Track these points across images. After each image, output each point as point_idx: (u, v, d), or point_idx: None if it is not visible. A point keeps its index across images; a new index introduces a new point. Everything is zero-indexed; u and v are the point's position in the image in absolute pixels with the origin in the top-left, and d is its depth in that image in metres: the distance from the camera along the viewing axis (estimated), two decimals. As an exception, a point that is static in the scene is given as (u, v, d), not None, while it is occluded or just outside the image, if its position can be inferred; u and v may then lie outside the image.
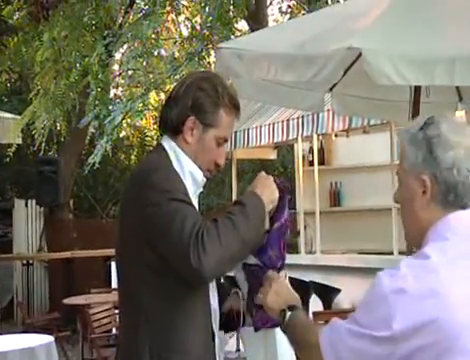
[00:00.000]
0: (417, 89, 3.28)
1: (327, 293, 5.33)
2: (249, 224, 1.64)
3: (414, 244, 1.47)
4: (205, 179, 1.84)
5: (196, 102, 1.79)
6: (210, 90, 1.79)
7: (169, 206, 1.62)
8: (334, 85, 3.74)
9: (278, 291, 1.67)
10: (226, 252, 1.59)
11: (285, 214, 1.81)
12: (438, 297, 1.28)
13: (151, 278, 1.71)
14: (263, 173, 1.79)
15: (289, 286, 1.72)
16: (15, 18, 10.37)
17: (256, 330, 1.83)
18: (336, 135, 7.16)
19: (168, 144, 1.81)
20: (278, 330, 1.71)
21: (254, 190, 1.73)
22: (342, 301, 5.65)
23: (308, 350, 1.47)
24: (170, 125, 1.82)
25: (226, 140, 1.84)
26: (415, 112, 3.28)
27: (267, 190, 1.74)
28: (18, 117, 8.22)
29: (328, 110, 5.23)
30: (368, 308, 1.35)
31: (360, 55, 2.67)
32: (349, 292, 5.46)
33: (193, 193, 1.79)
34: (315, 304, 5.11)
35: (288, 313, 1.58)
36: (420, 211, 1.42)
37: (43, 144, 8.59)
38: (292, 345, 1.57)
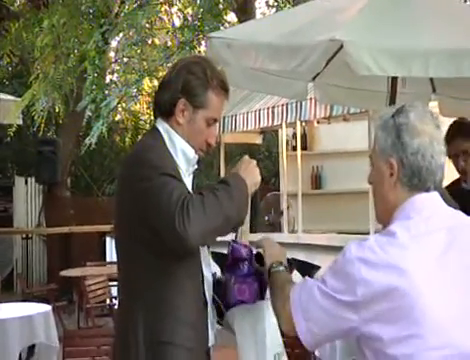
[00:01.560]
0: (394, 80, 3.27)
1: (308, 269, 5.34)
2: (232, 202, 1.64)
3: (383, 222, 1.50)
4: (197, 156, 1.83)
5: (186, 85, 1.78)
6: (199, 73, 1.79)
7: (159, 180, 1.64)
8: (317, 75, 3.72)
9: (276, 248, 1.74)
10: (210, 223, 1.59)
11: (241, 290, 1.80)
12: (399, 269, 1.31)
13: (144, 252, 1.71)
14: (246, 157, 1.79)
15: (283, 249, 1.77)
16: (16, 5, 10.22)
17: (234, 305, 1.81)
18: (318, 122, 7.17)
19: (162, 126, 1.81)
20: (268, 305, 1.72)
21: (238, 172, 1.73)
22: (321, 277, 5.69)
23: (281, 300, 1.51)
24: (163, 108, 1.82)
25: (216, 120, 1.83)
26: (392, 102, 3.27)
27: (250, 174, 1.74)
28: (19, 99, 8.14)
29: (311, 98, 5.21)
30: (336, 273, 1.39)
31: (342, 47, 2.65)
32: (327, 269, 5.49)
33: (186, 170, 1.80)
34: (296, 280, 5.13)
35: (281, 268, 1.64)
36: (388, 192, 1.44)
37: (42, 125, 8.55)
38: (270, 290, 1.61)
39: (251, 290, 1.78)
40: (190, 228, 1.55)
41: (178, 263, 1.71)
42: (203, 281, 1.78)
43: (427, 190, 1.42)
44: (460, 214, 1.46)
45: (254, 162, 1.78)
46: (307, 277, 1.49)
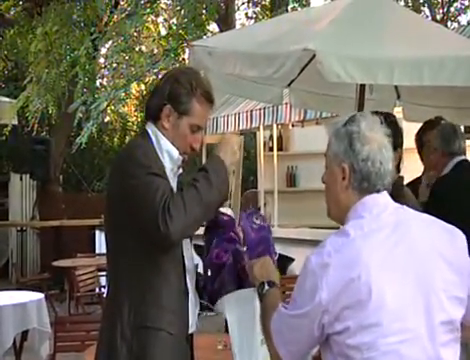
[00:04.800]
0: (362, 87, 3.28)
1: (282, 261, 5.37)
2: (211, 188, 1.67)
3: (334, 219, 1.53)
4: (181, 158, 1.83)
5: (172, 92, 1.79)
6: (185, 83, 1.79)
7: (145, 179, 1.65)
8: (292, 81, 3.72)
9: (264, 265, 1.72)
10: (190, 218, 1.62)
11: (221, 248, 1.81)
12: (355, 264, 1.33)
13: (130, 243, 1.72)
14: (226, 135, 1.80)
15: (273, 266, 1.75)
16: (12, 13, 10.07)
17: (214, 294, 1.81)
18: (293, 125, 7.18)
19: (150, 128, 1.82)
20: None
21: (217, 153, 1.76)
22: (295, 268, 5.71)
23: (268, 324, 1.51)
24: (151, 112, 1.83)
25: (200, 128, 1.83)
26: (360, 107, 3.29)
27: (229, 152, 1.76)
28: (14, 101, 8.03)
29: (286, 103, 5.21)
30: (300, 286, 1.40)
31: (314, 56, 2.66)
32: (301, 261, 5.50)
33: (171, 170, 1.80)
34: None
35: (266, 287, 1.63)
36: (340, 193, 1.47)
37: (36, 125, 8.44)
38: (261, 312, 1.61)
39: (227, 255, 1.80)
40: (172, 226, 1.58)
41: (162, 255, 1.71)
42: (185, 271, 1.78)
43: (377, 192, 1.44)
44: (406, 209, 1.48)
45: (233, 138, 1.79)
46: (280, 306, 1.48)
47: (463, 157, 2.89)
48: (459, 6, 11.80)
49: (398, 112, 3.83)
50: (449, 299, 1.37)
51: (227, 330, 1.84)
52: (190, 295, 1.79)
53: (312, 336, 1.37)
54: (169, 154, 1.79)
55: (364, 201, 1.43)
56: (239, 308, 1.79)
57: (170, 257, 1.73)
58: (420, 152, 2.99)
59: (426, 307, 1.35)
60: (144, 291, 1.71)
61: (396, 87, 3.82)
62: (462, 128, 3.31)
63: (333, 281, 1.32)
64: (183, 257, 1.78)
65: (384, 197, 1.45)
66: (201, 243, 1.91)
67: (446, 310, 1.36)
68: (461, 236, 1.46)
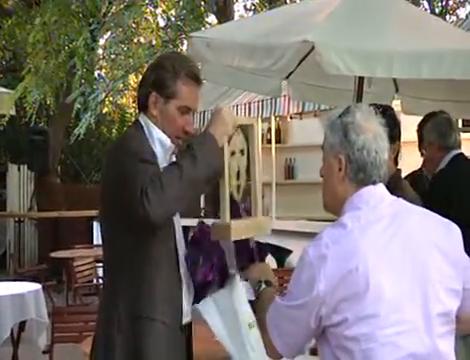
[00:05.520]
0: (360, 80, 3.27)
1: (280, 253, 5.36)
2: (195, 162, 1.62)
3: (331, 211, 1.53)
4: (173, 145, 1.81)
5: (156, 79, 1.78)
6: (168, 67, 1.78)
7: (135, 167, 1.63)
8: (290, 73, 3.71)
9: (262, 268, 1.76)
10: (169, 196, 1.58)
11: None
12: (354, 255, 1.33)
13: (121, 232, 1.71)
14: (217, 107, 1.74)
15: (270, 267, 1.79)
16: (10, 2, 10.01)
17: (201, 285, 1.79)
18: (291, 117, 7.16)
19: (142, 119, 1.82)
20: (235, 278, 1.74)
21: (207, 128, 1.70)
22: (292, 260, 5.71)
23: (264, 317, 1.51)
24: (140, 102, 1.83)
25: (189, 109, 1.80)
26: (358, 100, 3.28)
27: (219, 125, 1.70)
28: (12, 91, 7.98)
29: (284, 95, 5.19)
30: (297, 278, 1.40)
31: (313, 48, 2.64)
32: (299, 253, 5.51)
33: (163, 158, 1.78)
34: (270, 263, 5.15)
35: (263, 285, 1.65)
36: (337, 186, 1.47)
37: (34, 116, 8.42)
38: (256, 309, 1.62)
39: (212, 274, 1.78)
40: (149, 207, 1.54)
41: (155, 243, 1.71)
42: (178, 261, 1.78)
43: (373, 183, 1.44)
44: (402, 201, 1.48)
45: (224, 110, 1.72)
46: (276, 297, 1.48)
47: (459, 150, 2.89)
48: (458, -1, 11.79)
49: (396, 105, 3.82)
50: (445, 291, 1.37)
51: None
52: (184, 284, 1.78)
53: (309, 328, 1.37)
54: (161, 142, 1.78)
55: (360, 193, 1.43)
56: (216, 306, 1.76)
57: (161, 246, 1.72)
58: (420, 145, 2.98)
59: (423, 299, 1.35)
60: (137, 281, 1.71)
61: (394, 80, 3.80)
62: (460, 122, 3.30)
63: (331, 273, 1.32)
64: (176, 247, 1.77)
65: (380, 189, 1.45)
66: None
67: (442, 302, 1.37)
68: (457, 230, 1.46)
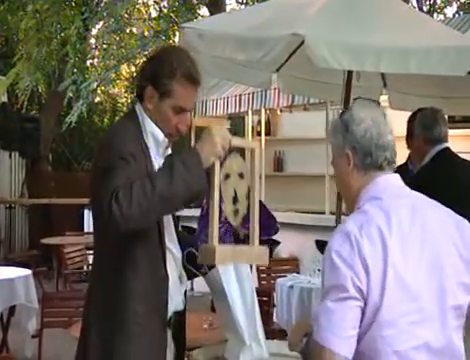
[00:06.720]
0: (349, 74, 3.28)
1: (269, 244, 5.37)
2: (172, 181, 1.55)
3: (351, 205, 1.50)
4: (167, 140, 1.77)
5: (154, 73, 1.73)
6: (167, 63, 1.72)
7: (115, 163, 1.59)
8: (280, 66, 3.71)
9: (300, 324, 1.68)
10: (134, 212, 1.52)
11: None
12: (379, 243, 1.33)
13: (101, 229, 1.69)
14: (210, 126, 1.66)
15: (307, 321, 1.66)
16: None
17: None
18: (281, 110, 7.16)
19: (138, 109, 1.78)
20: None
21: (195, 146, 1.65)
22: (281, 251, 5.73)
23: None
24: (138, 92, 1.79)
25: (183, 109, 1.74)
26: (347, 93, 3.29)
27: (207, 144, 1.63)
28: (3, 78, 7.91)
29: (275, 88, 5.20)
30: (331, 272, 1.34)
31: (303, 41, 2.64)
32: (287, 244, 5.53)
33: (156, 152, 1.75)
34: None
35: (304, 339, 1.53)
36: (350, 180, 1.48)
37: (26, 104, 8.33)
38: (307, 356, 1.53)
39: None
40: (114, 215, 1.51)
41: (133, 242, 1.66)
42: (165, 258, 1.73)
43: (379, 167, 1.45)
44: (418, 194, 1.49)
45: (216, 129, 1.65)
46: (315, 309, 1.44)
47: (445, 145, 2.82)
48: (445, -2, 11.80)
49: (384, 100, 3.84)
50: (458, 284, 1.39)
51: (213, 309, 1.85)
52: (170, 280, 1.73)
53: (357, 319, 1.32)
54: (153, 136, 1.74)
55: (376, 182, 1.44)
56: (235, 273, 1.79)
57: (144, 244, 1.67)
58: (407, 139, 2.97)
59: (439, 290, 1.36)
60: (111, 278, 1.68)
61: (383, 75, 3.82)
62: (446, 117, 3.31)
63: (362, 260, 1.30)
64: (163, 243, 1.72)
65: (395, 178, 1.47)
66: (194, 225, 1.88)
67: (456, 295, 1.38)
68: (468, 226, 1.46)
